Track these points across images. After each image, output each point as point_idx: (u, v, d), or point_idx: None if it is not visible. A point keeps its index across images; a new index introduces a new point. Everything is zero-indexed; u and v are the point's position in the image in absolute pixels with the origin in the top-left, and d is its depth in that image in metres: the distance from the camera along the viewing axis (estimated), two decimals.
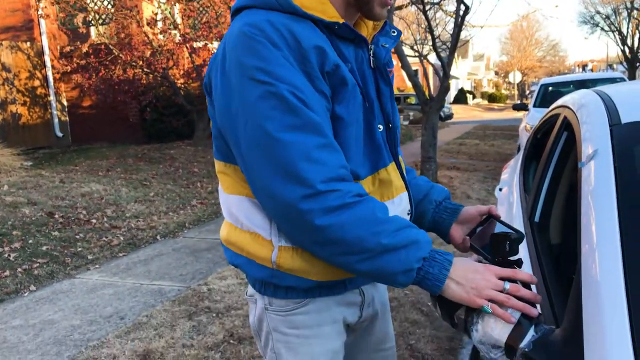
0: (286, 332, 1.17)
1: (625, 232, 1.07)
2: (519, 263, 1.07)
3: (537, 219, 1.80)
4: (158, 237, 5.31)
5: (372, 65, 1.15)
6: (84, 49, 9.68)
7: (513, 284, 1.01)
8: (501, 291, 1.00)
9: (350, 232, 0.98)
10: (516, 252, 1.08)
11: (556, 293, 1.29)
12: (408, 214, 1.24)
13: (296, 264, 1.10)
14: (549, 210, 1.77)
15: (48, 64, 10.43)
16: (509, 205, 2.44)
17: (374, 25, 1.20)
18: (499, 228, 1.23)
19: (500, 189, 3.03)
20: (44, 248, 4.74)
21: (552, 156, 1.90)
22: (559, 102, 2.29)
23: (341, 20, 1.08)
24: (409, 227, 1.03)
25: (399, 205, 1.19)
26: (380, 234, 0.99)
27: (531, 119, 8.10)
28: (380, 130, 1.17)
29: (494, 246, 1.09)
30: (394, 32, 1.23)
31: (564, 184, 1.79)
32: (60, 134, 10.78)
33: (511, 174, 2.96)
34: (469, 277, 1.00)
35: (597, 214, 1.14)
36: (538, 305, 1.17)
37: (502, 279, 1.02)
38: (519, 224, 1.95)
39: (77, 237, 5.10)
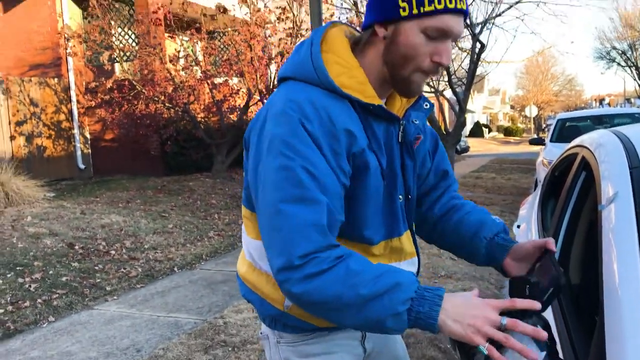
0: None
1: None
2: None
3: (556, 258, 1.80)
4: (175, 268, 5.35)
5: (400, 140, 1.21)
6: (109, 84, 9.97)
7: (510, 320, 0.95)
8: (499, 327, 0.96)
9: (327, 292, 1.01)
10: (538, 296, 1.07)
11: (577, 335, 1.29)
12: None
13: (300, 312, 1.17)
14: (568, 250, 1.78)
15: (74, 98, 10.74)
16: None
17: (407, 100, 1.24)
18: (547, 264, 1.18)
19: (519, 226, 3.03)
20: (64, 279, 4.80)
21: (570, 195, 1.91)
22: (577, 141, 2.31)
23: (377, 102, 1.13)
24: (388, 272, 1.03)
25: (405, 268, 1.24)
26: (358, 285, 1.00)
27: (548, 153, 8.08)
28: (400, 200, 1.23)
29: (513, 290, 1.10)
30: (426, 105, 1.27)
31: (583, 224, 1.79)
32: (82, 166, 11.00)
33: (529, 210, 2.95)
34: (466, 312, 0.97)
35: (619, 258, 1.15)
36: (559, 347, 1.17)
37: (502, 312, 0.98)
38: None
39: (96, 268, 5.16)
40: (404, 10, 1.07)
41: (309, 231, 1.03)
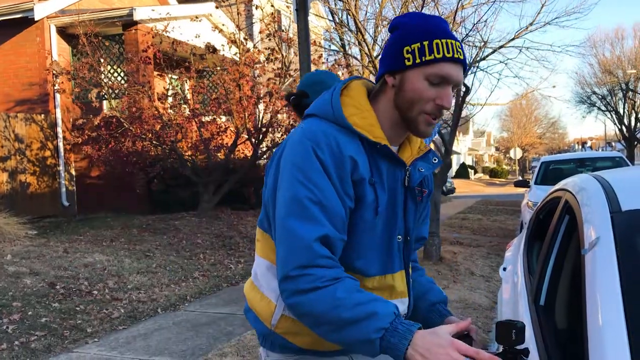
0: None
1: (631, 320, 1.09)
2: (525, 353, 1.08)
3: (542, 302, 1.81)
4: (159, 309, 5.24)
5: (405, 184, 1.33)
6: (96, 121, 9.97)
7: None
8: None
9: (315, 308, 1.14)
10: (522, 341, 1.09)
11: None
12: (403, 316, 1.37)
13: (290, 330, 1.30)
14: (553, 293, 1.79)
15: (60, 135, 10.71)
16: (514, 285, 2.44)
17: (418, 150, 1.39)
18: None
19: (505, 268, 3.04)
20: (43, 320, 4.67)
21: (555, 239, 1.93)
22: (560, 184, 2.35)
23: (383, 142, 1.27)
24: (371, 302, 1.13)
25: (399, 305, 1.33)
26: (339, 308, 1.12)
27: (533, 195, 8.18)
28: (399, 240, 1.34)
29: (500, 335, 1.10)
30: (435, 160, 1.41)
31: (568, 267, 1.81)
32: (67, 203, 10.87)
33: (515, 253, 2.97)
34: (433, 350, 1.06)
35: (603, 303, 1.16)
36: None
37: (466, 355, 1.06)
38: (524, 306, 1.95)
39: (78, 308, 5.04)
40: (409, 60, 1.24)
41: (308, 246, 1.15)
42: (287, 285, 1.16)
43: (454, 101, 2.83)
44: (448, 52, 1.22)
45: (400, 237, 1.34)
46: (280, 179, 1.23)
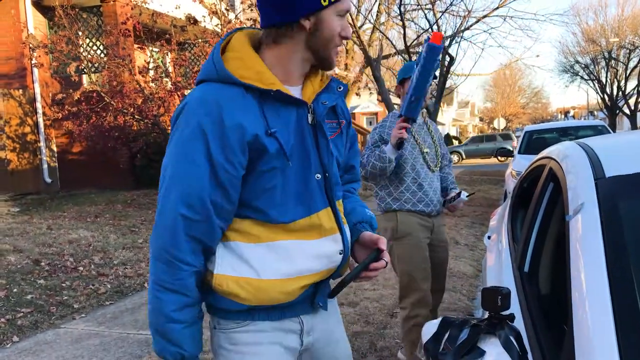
0: (228, 348, 1.36)
1: (614, 284, 1.10)
2: (511, 318, 1.10)
3: (526, 269, 1.83)
4: (145, 284, 5.24)
5: (310, 121, 1.34)
6: (76, 96, 9.77)
7: None
8: None
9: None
10: (508, 306, 1.10)
11: (548, 343, 1.31)
12: (340, 253, 1.39)
13: (228, 289, 1.31)
14: (537, 260, 1.81)
15: (39, 110, 10.49)
16: (498, 253, 2.47)
17: (320, 83, 1.39)
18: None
19: (489, 237, 3.07)
20: (29, 297, 4.65)
21: (539, 206, 1.95)
22: (545, 152, 2.36)
23: (276, 87, 1.27)
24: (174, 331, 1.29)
25: (323, 246, 1.36)
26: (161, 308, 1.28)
27: (517, 165, 8.24)
28: (318, 179, 1.35)
29: (486, 302, 1.11)
30: (340, 87, 1.42)
31: (552, 234, 1.83)
32: (49, 180, 10.72)
33: (499, 221, 3.00)
34: None
35: (586, 268, 1.17)
36: (530, 357, 1.18)
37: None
38: (508, 273, 1.97)
39: (64, 285, 5.02)
40: (325, 0, 1.27)
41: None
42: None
43: (438, 71, 2.84)
44: None
45: (319, 175, 1.35)
46: (166, 152, 1.30)
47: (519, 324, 1.39)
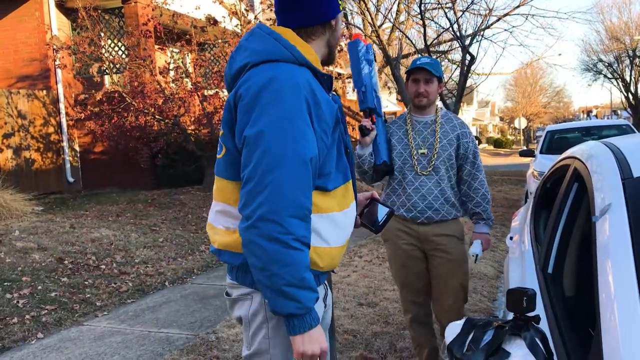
0: (279, 319, 1.43)
1: None
2: (536, 320, 1.08)
3: (550, 270, 1.81)
4: (166, 283, 5.29)
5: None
6: (98, 97, 9.91)
7: None
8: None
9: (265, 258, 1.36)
10: (533, 308, 1.08)
11: (573, 347, 1.29)
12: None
13: (310, 258, 1.42)
14: (562, 261, 1.78)
15: (62, 111, 10.66)
16: (521, 254, 2.44)
17: None
18: (381, 209, 1.77)
19: (511, 238, 3.03)
20: (53, 294, 4.73)
21: (563, 207, 1.92)
22: (568, 152, 2.33)
23: (328, 72, 1.58)
24: (305, 288, 1.34)
25: (354, 211, 1.61)
26: (286, 267, 1.32)
27: (538, 165, 8.14)
28: (347, 153, 1.58)
29: (511, 303, 1.10)
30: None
31: (577, 235, 1.79)
32: (71, 179, 10.89)
33: (521, 222, 2.96)
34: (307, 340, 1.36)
35: (614, 269, 1.15)
36: (556, 358, 1.16)
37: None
38: (531, 274, 1.95)
39: (86, 283, 5.09)
40: (340, 5, 1.56)
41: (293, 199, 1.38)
42: (253, 226, 1.32)
43: (458, 71, 2.87)
44: None
45: (349, 150, 1.58)
46: (265, 124, 1.34)
47: (543, 326, 1.37)
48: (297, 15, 1.50)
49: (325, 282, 1.60)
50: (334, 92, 1.62)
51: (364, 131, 2.61)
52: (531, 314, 1.09)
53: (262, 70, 1.38)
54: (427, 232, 2.75)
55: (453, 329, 1.23)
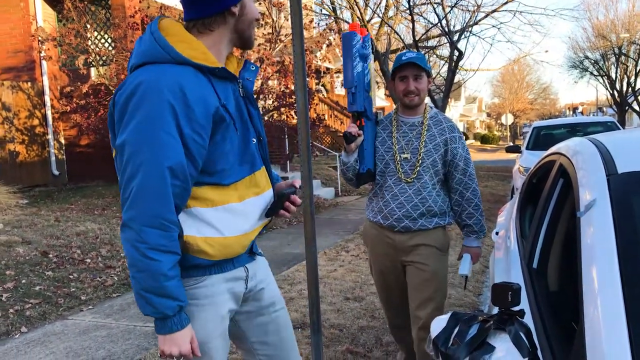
0: (189, 303, 1.53)
1: (626, 282, 1.09)
2: (521, 314, 1.09)
3: (535, 265, 1.82)
4: None
5: (241, 94, 1.58)
6: (84, 89, 9.79)
7: None
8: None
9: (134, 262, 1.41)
10: (518, 302, 1.09)
11: (557, 341, 1.30)
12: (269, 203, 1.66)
13: (197, 247, 1.49)
14: (547, 257, 1.79)
15: (48, 103, 10.52)
16: (506, 249, 2.46)
17: (238, 64, 1.64)
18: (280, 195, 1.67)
19: (497, 233, 3.06)
20: (37, 288, 4.68)
21: (548, 202, 1.93)
22: (554, 148, 2.34)
23: (220, 66, 1.48)
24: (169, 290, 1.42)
25: (264, 199, 1.63)
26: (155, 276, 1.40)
27: (524, 161, 8.20)
28: (254, 142, 1.59)
29: (496, 297, 1.11)
30: (252, 67, 1.65)
31: (562, 231, 1.81)
32: (57, 172, 10.77)
33: (507, 217, 2.98)
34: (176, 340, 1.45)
35: (598, 265, 1.16)
36: (540, 354, 1.17)
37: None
38: (517, 269, 1.96)
39: (71, 277, 5.05)
40: None
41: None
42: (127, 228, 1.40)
43: (446, 67, 2.81)
44: None
45: (254, 139, 1.59)
46: (128, 133, 1.38)
47: (528, 320, 1.38)
48: (191, 8, 1.50)
49: (253, 263, 1.69)
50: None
51: (348, 138, 2.43)
52: (516, 309, 1.10)
53: (135, 75, 1.42)
54: (404, 242, 2.56)
55: (438, 323, 1.24)
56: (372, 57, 2.51)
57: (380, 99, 30.55)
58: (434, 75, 13.08)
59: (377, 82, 15.79)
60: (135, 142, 1.37)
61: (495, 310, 1.17)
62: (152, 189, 1.36)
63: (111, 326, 3.98)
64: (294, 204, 1.70)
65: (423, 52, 11.99)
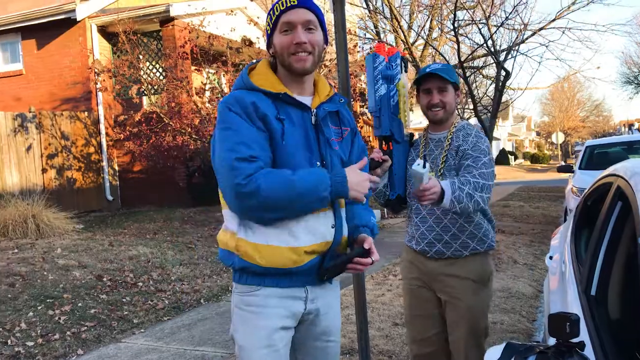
0: (242, 308, 1.69)
1: None
2: (581, 346, 1.04)
3: (593, 292, 1.75)
4: (202, 300, 5.35)
5: (312, 122, 1.73)
6: (137, 117, 10.19)
7: None
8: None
9: (273, 190, 1.56)
10: (577, 333, 1.05)
11: None
12: (332, 227, 1.71)
13: (246, 251, 1.63)
14: (606, 283, 1.72)
15: (103, 131, 11.01)
16: (561, 275, 2.37)
17: (326, 96, 1.78)
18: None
19: (551, 257, 2.95)
20: (92, 311, 4.83)
21: (606, 226, 1.86)
22: (610, 170, 2.26)
23: (284, 91, 1.69)
24: (309, 172, 1.63)
25: (323, 218, 1.70)
26: (293, 182, 1.58)
27: (577, 181, 7.92)
28: (318, 165, 1.71)
29: (553, 328, 1.07)
30: (341, 100, 1.83)
31: (621, 256, 1.73)
32: (110, 198, 11.19)
33: (562, 241, 2.88)
34: (360, 183, 1.66)
35: None
36: None
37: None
38: (573, 296, 1.89)
39: (124, 300, 5.19)
40: (267, 31, 1.75)
41: (237, 147, 1.59)
42: (238, 189, 1.56)
43: (493, 87, 2.74)
44: (282, 6, 1.66)
45: (318, 162, 1.71)
46: (216, 130, 1.67)
47: (587, 351, 1.32)
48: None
49: (313, 287, 1.74)
50: (341, 101, 1.82)
51: (372, 164, 2.25)
52: (575, 340, 1.05)
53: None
54: (436, 270, 2.37)
55: (493, 354, 1.20)
56: (401, 76, 2.35)
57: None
58: (480, 95, 12.89)
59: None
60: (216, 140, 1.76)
61: (553, 340, 1.13)
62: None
63: (162, 349, 4.05)
64: (360, 264, 1.69)
65: (469, 72, 11.84)
